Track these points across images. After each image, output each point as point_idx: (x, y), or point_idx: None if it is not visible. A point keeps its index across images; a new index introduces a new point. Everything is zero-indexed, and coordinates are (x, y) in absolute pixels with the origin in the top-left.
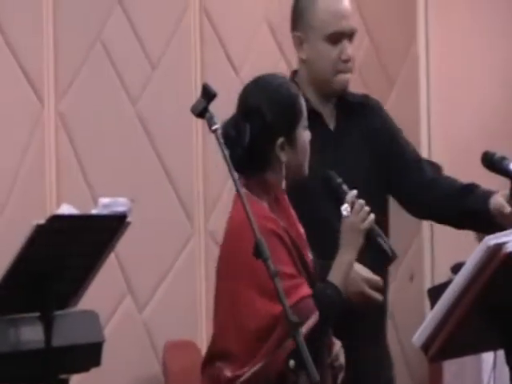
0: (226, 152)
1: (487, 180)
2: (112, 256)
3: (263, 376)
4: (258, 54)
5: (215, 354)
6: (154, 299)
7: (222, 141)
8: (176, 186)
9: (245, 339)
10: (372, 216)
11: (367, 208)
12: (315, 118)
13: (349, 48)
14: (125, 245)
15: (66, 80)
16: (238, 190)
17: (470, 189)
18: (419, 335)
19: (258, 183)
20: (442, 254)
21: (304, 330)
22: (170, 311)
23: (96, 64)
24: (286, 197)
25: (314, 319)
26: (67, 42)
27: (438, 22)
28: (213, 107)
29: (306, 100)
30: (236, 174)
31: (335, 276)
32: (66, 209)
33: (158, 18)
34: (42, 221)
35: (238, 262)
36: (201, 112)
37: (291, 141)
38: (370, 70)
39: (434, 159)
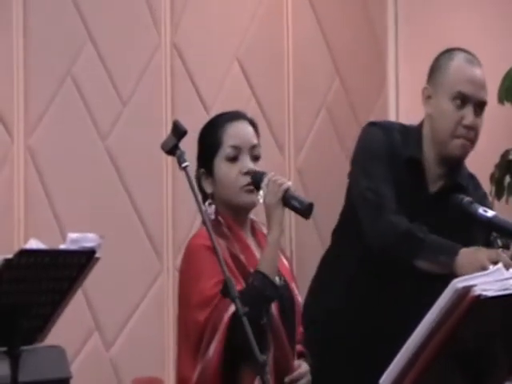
0: (196, 188)
1: None
2: (80, 292)
3: (203, 380)
4: (229, 92)
5: None
6: (122, 336)
7: (191, 178)
8: (145, 223)
9: (184, 359)
10: (284, 185)
11: (281, 179)
12: (416, 172)
13: (472, 116)
14: (93, 281)
15: (35, 115)
16: (204, 221)
17: None
18: (386, 377)
19: (221, 212)
20: None
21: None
22: (137, 348)
23: (66, 99)
24: (256, 228)
25: (228, 314)
26: (37, 76)
27: (409, 66)
28: (183, 145)
29: (421, 153)
30: (203, 208)
31: (263, 263)
32: (34, 244)
33: (129, 54)
34: (9, 256)
35: (183, 287)
36: (171, 149)
37: (211, 171)
38: (340, 112)
39: None
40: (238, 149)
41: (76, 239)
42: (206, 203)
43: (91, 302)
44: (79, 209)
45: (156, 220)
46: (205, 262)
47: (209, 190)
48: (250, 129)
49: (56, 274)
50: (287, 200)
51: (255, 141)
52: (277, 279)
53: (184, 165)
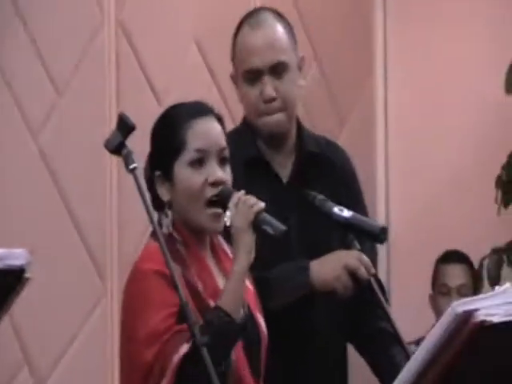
0: (147, 194)
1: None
2: (6, 319)
3: None
4: (186, 79)
5: None
6: (56, 372)
7: (140, 182)
8: (86, 238)
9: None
10: (255, 207)
11: (249, 199)
12: (264, 168)
13: (269, 86)
14: (22, 306)
15: None
16: (156, 236)
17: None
18: None
19: (171, 228)
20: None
21: (175, 360)
22: None
23: None
24: (217, 244)
25: (183, 351)
26: None
27: (398, 51)
28: (131, 142)
29: (256, 147)
30: (155, 219)
31: (225, 297)
32: None
33: (66, 36)
34: None
35: (128, 319)
36: (116, 148)
37: (169, 176)
38: (318, 106)
39: (392, 221)
40: (204, 152)
41: (1, 256)
42: (162, 214)
43: (20, 331)
44: (7, 221)
45: (99, 235)
46: (154, 291)
47: (165, 197)
48: (218, 127)
49: None
50: (258, 224)
51: (224, 143)
52: (241, 312)
53: (132, 166)
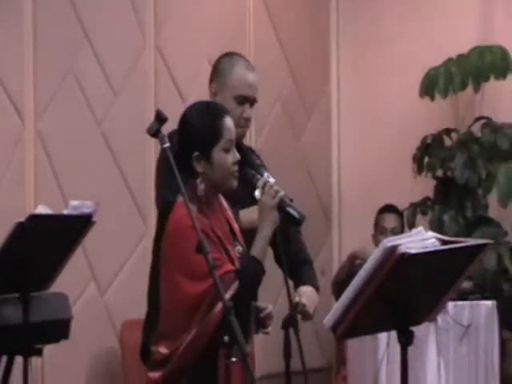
0: (174, 164)
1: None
2: (80, 248)
3: (194, 349)
4: (202, 86)
5: (149, 341)
6: (114, 284)
7: (171, 156)
8: (132, 191)
9: (176, 318)
10: (281, 192)
11: (276, 187)
12: None
13: (249, 110)
14: (91, 239)
15: (43, 103)
16: (184, 200)
17: (301, 264)
18: (329, 318)
19: (191, 190)
20: (347, 254)
21: (228, 296)
22: (127, 295)
23: (68, 91)
24: (220, 201)
25: (234, 288)
26: (45, 71)
27: (349, 66)
28: (164, 129)
29: None
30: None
31: (255, 250)
32: (42, 209)
33: (120, 54)
34: (22, 219)
35: (174, 255)
36: (154, 133)
37: (207, 157)
38: (292, 104)
39: (343, 182)
40: (231, 142)
41: (76, 206)
42: (198, 180)
43: (89, 256)
44: (79, 181)
45: (141, 189)
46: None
47: (200, 170)
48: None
49: (60, 234)
50: (284, 206)
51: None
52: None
53: (165, 145)
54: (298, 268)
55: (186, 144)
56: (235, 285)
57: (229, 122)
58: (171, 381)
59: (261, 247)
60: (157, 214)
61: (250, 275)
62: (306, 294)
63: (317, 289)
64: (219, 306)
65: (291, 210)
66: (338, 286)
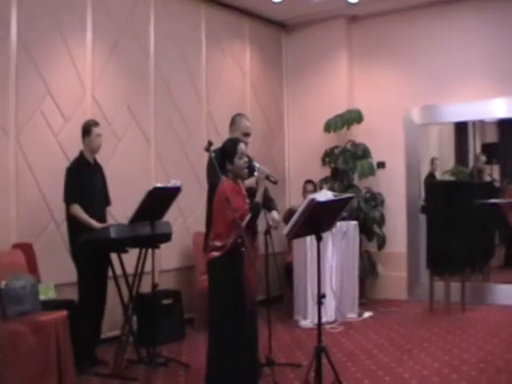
0: (216, 163)
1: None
2: (175, 203)
3: (233, 243)
4: (223, 132)
5: (210, 239)
6: (191, 217)
7: (214, 160)
8: (197, 175)
9: (226, 225)
10: (266, 171)
11: (263, 168)
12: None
13: (248, 139)
14: (179, 198)
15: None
16: (224, 178)
17: (271, 201)
18: (285, 231)
19: (230, 176)
20: (290, 205)
21: (246, 219)
22: (195, 220)
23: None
24: (239, 183)
25: (249, 216)
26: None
27: (294, 116)
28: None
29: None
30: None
31: (257, 198)
32: (172, 182)
33: (191, 118)
34: (151, 188)
35: (221, 201)
36: (207, 149)
37: (232, 161)
38: (266, 135)
39: (291, 167)
40: (243, 154)
41: (173, 182)
42: (228, 173)
43: (179, 203)
44: (180, 167)
45: (202, 174)
46: (236, 197)
47: (229, 168)
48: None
49: (167, 196)
50: (268, 177)
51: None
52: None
53: (212, 155)
54: (270, 202)
55: (222, 155)
56: (249, 215)
57: (241, 145)
58: (224, 256)
59: (259, 197)
60: (208, 186)
61: (255, 210)
62: (275, 214)
63: (278, 212)
64: (242, 224)
65: (271, 178)
66: (286, 218)
